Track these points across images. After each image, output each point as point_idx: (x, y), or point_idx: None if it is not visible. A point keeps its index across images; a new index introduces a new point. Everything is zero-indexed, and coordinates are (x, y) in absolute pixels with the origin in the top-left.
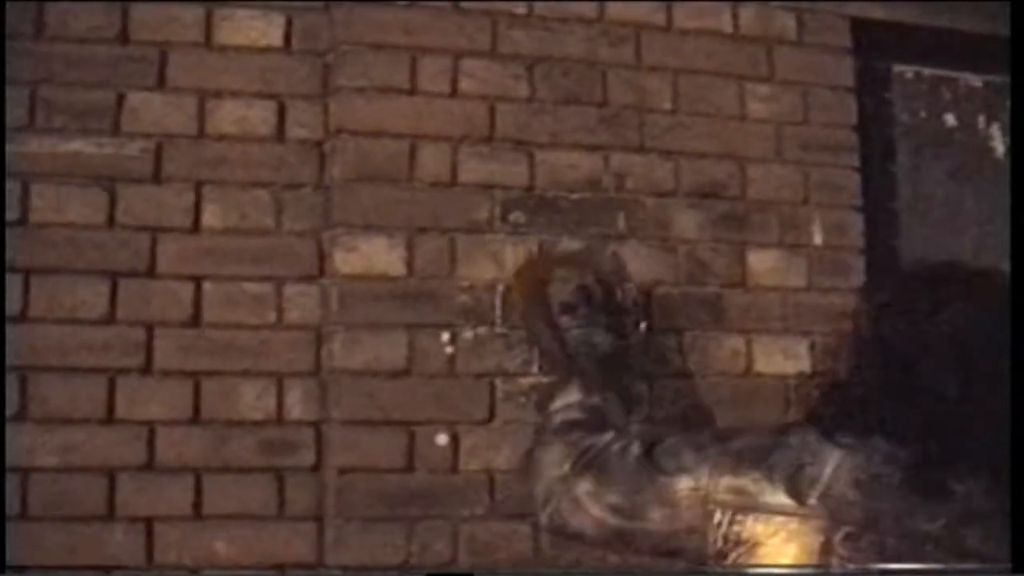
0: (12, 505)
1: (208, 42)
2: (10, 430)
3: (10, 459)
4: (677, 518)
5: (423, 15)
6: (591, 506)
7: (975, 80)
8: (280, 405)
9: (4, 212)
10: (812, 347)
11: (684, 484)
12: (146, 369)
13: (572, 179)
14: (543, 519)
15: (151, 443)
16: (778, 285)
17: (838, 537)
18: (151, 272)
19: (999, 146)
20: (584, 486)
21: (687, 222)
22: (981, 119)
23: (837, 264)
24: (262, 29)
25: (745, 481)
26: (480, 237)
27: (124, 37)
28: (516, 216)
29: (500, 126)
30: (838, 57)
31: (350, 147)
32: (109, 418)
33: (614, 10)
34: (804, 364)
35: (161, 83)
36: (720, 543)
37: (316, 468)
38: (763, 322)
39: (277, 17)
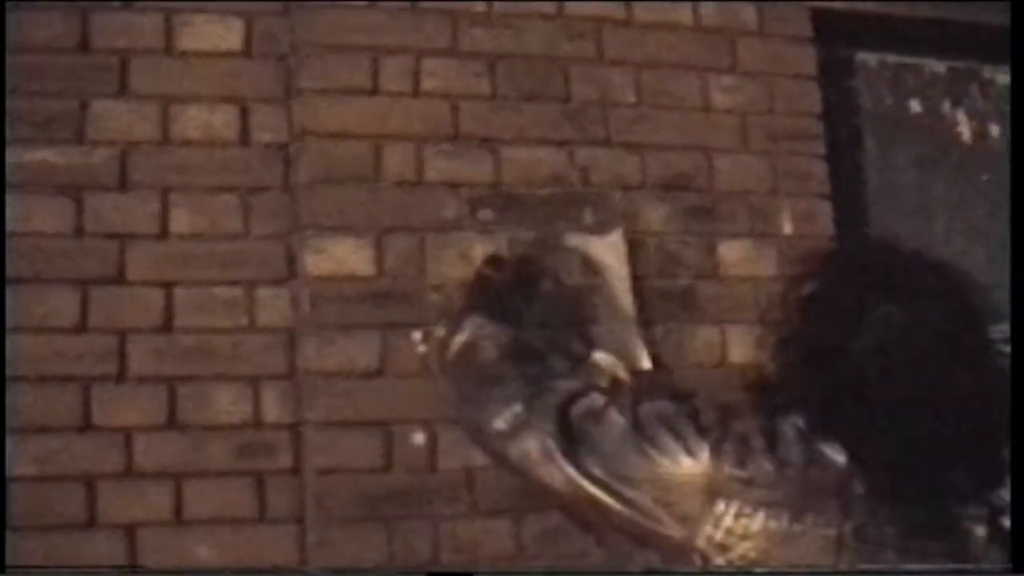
0: None
1: (169, 48)
2: None
3: None
4: (668, 502)
5: (382, 15)
6: (564, 464)
7: (938, 66)
8: (256, 408)
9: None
10: None
11: (684, 466)
12: (120, 376)
13: (538, 175)
14: (499, 447)
15: (128, 449)
16: (749, 275)
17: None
18: (121, 279)
19: (965, 131)
20: (555, 440)
21: (655, 215)
22: (946, 105)
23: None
24: (222, 34)
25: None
26: (448, 235)
27: (85, 45)
28: (484, 213)
29: (464, 124)
30: (800, 46)
31: (315, 149)
32: (85, 426)
33: (574, 5)
34: None
35: (123, 90)
36: (717, 538)
37: (295, 470)
38: (736, 312)
39: (236, 22)
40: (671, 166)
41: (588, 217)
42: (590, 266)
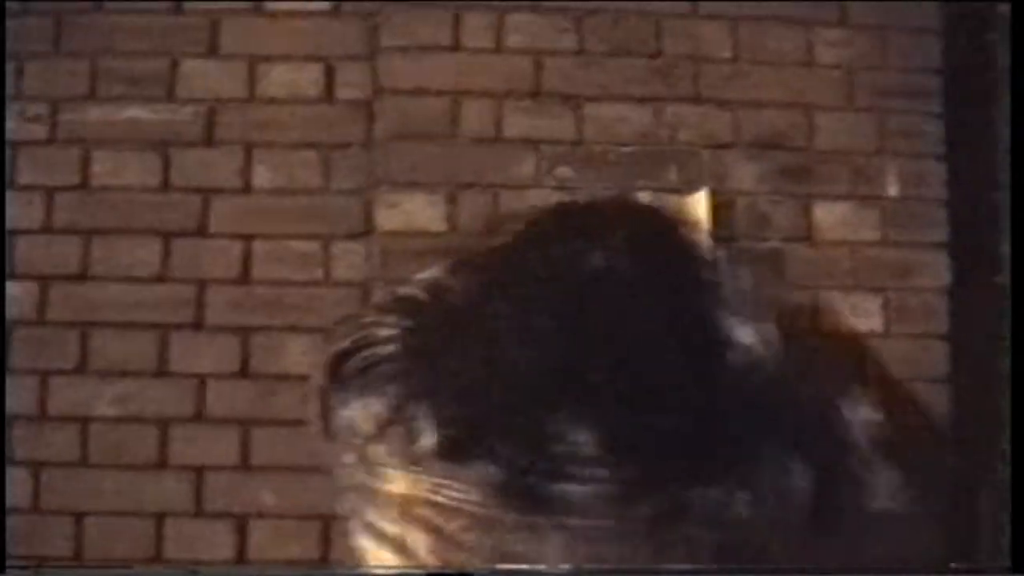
0: (71, 453)
1: (257, 9)
2: (70, 381)
3: (70, 409)
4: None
5: None
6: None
7: None
8: None
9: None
10: (885, 305)
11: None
12: (197, 324)
13: (622, 132)
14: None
15: (201, 395)
16: (846, 239)
17: None
18: (203, 231)
19: None
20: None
21: (745, 174)
22: None
23: (915, 217)
24: None
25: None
26: (524, 193)
27: (177, 7)
28: (562, 171)
29: (547, 81)
30: None
31: (393, 105)
32: (162, 371)
33: None
34: (876, 322)
35: (213, 50)
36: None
37: None
38: (830, 278)
39: None
40: (766, 124)
41: (673, 176)
42: None
